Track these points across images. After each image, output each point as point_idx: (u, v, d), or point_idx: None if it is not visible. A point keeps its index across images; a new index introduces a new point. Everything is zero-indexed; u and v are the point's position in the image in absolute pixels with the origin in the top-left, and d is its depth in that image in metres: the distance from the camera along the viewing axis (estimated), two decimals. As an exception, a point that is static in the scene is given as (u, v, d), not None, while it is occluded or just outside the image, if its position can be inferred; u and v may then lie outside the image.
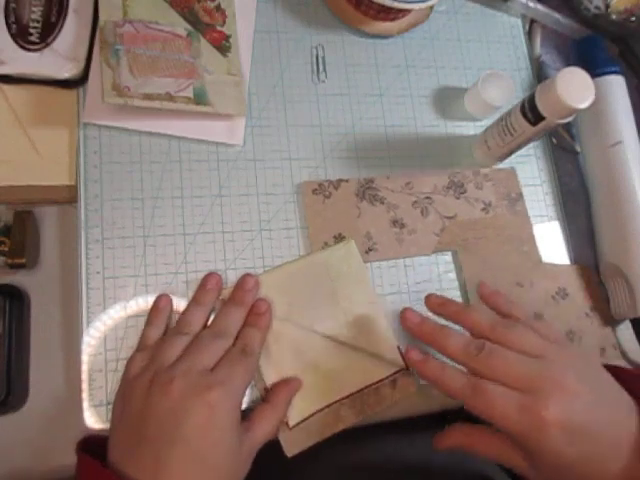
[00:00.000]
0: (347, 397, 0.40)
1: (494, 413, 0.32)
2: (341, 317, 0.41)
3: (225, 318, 0.38)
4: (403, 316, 0.39)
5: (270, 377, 0.39)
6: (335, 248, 0.43)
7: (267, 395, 0.38)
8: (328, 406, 0.39)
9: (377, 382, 0.40)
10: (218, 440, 0.32)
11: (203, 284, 0.40)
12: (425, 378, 0.35)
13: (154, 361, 0.34)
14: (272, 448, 0.36)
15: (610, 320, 0.48)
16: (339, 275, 0.42)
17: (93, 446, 0.34)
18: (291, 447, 0.38)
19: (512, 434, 0.32)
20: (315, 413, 0.39)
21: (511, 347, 0.34)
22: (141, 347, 0.37)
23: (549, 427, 0.30)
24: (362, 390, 0.40)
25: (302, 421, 0.38)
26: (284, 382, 0.39)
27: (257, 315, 0.39)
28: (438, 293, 0.45)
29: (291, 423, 0.38)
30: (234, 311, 0.39)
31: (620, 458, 0.31)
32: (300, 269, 0.42)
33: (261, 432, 0.35)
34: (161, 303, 0.39)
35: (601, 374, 0.34)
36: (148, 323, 0.39)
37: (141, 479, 0.30)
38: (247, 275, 0.40)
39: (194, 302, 0.39)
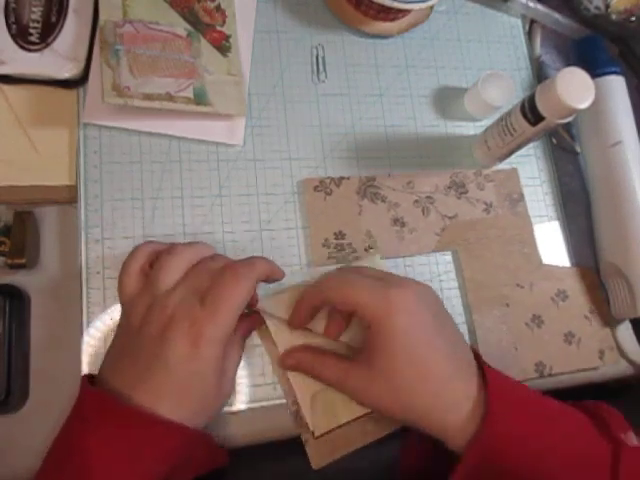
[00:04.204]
0: (373, 412, 0.38)
1: (352, 293, 0.34)
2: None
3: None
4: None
5: (299, 388, 0.38)
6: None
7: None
8: (355, 420, 0.38)
9: None
10: (197, 371, 0.33)
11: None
12: (303, 305, 0.38)
13: (152, 283, 0.35)
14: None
15: (610, 322, 0.48)
16: None
17: None
18: (317, 459, 0.38)
19: (364, 314, 0.34)
20: (341, 426, 0.38)
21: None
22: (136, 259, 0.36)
23: (396, 305, 0.33)
24: None
25: (327, 432, 0.38)
26: (244, 316, 0.38)
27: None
28: (438, 293, 0.45)
29: (317, 433, 0.38)
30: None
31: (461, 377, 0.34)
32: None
33: (230, 363, 0.37)
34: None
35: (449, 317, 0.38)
36: (146, 242, 0.38)
37: (121, 391, 0.32)
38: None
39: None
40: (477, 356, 0.36)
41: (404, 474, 0.38)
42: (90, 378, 0.34)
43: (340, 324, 0.38)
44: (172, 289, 0.34)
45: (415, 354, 0.33)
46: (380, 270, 0.40)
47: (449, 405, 0.33)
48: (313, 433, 0.38)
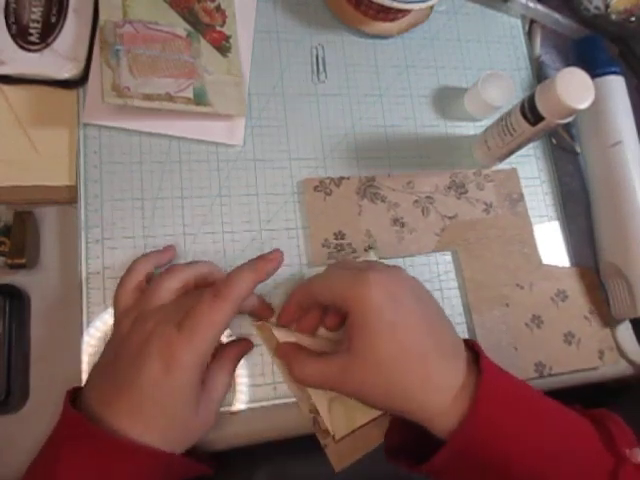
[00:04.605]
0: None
1: (330, 285, 0.35)
2: None
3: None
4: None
5: (315, 394, 0.38)
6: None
7: (216, 352, 0.37)
8: (373, 419, 0.39)
9: None
10: (172, 394, 0.31)
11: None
12: (291, 303, 0.39)
13: (142, 299, 0.35)
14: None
15: (609, 322, 0.48)
16: None
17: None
18: (339, 462, 0.38)
19: (342, 301, 0.34)
20: (361, 427, 0.38)
21: None
22: (132, 278, 0.37)
23: (371, 285, 0.33)
24: None
25: (348, 434, 0.38)
26: (234, 341, 0.39)
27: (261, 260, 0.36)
28: (438, 293, 0.45)
29: (337, 436, 0.38)
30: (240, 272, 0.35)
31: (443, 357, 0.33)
32: None
33: (216, 390, 0.35)
34: (169, 251, 0.40)
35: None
36: (144, 257, 0.38)
37: (97, 409, 0.31)
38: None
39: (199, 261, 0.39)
40: (475, 345, 0.35)
41: (389, 455, 0.38)
42: (78, 390, 0.34)
43: (336, 315, 0.38)
44: (158, 308, 0.34)
45: (391, 329, 0.32)
46: (366, 260, 0.39)
47: (432, 386, 0.32)
48: (334, 437, 0.38)
